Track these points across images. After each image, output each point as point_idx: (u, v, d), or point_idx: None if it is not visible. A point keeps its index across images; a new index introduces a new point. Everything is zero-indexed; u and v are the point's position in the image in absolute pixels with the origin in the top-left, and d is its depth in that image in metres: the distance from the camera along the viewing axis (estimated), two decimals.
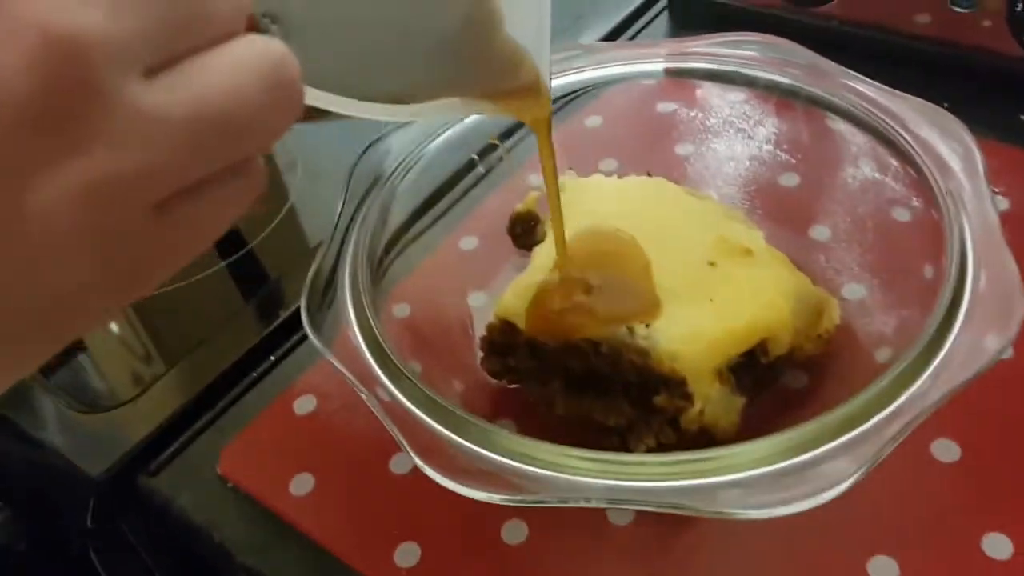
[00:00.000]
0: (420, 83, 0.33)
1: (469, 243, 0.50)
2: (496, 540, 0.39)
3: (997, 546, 0.36)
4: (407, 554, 0.39)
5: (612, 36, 0.68)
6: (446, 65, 0.32)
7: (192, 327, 0.53)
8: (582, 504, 0.32)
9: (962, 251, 0.37)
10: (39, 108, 0.18)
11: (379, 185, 0.45)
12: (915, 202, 0.42)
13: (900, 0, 0.58)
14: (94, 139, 0.19)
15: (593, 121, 0.53)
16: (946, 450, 0.39)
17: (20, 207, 0.19)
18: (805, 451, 0.31)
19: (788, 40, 0.47)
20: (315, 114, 0.28)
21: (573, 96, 0.50)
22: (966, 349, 0.33)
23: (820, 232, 0.47)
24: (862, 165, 0.45)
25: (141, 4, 0.19)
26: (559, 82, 0.49)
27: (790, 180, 0.49)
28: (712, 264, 0.41)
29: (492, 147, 0.49)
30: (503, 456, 0.33)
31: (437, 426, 0.34)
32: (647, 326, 0.38)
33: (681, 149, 0.52)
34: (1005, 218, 0.37)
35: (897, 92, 0.44)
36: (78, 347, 0.53)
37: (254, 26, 0.22)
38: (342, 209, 0.43)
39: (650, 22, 0.69)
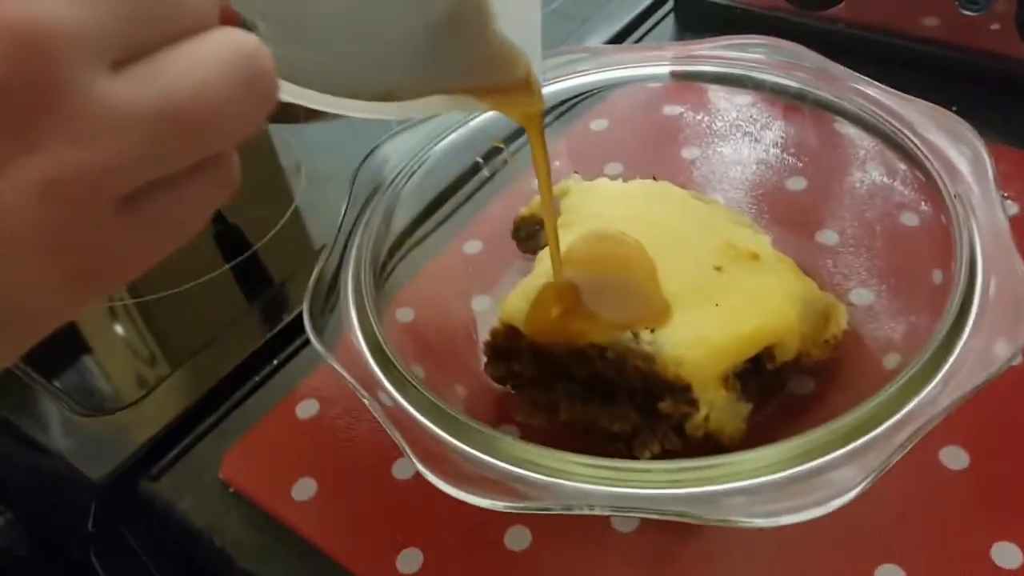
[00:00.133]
0: (409, 79, 0.32)
1: (473, 247, 0.50)
2: (499, 546, 0.39)
3: (1006, 555, 0.36)
4: (409, 560, 0.39)
5: (618, 39, 0.68)
6: (436, 61, 0.32)
7: (195, 330, 0.53)
8: (586, 511, 0.32)
9: (971, 256, 0.36)
10: None
11: (383, 189, 0.45)
12: (924, 206, 0.41)
13: (908, 3, 0.58)
14: (56, 134, 0.18)
15: (599, 124, 0.53)
16: (955, 457, 0.39)
17: None
18: (812, 459, 0.31)
19: (795, 43, 0.47)
20: (310, 115, 0.28)
21: (579, 99, 0.50)
22: (975, 355, 0.33)
23: (827, 237, 0.47)
24: (870, 169, 0.45)
25: None
26: (565, 85, 0.49)
27: (797, 184, 0.49)
28: (718, 269, 0.41)
29: (497, 150, 0.49)
30: (506, 462, 0.33)
31: (440, 432, 0.34)
32: (652, 331, 0.38)
33: (687, 153, 0.51)
34: (1015, 223, 0.37)
35: (905, 95, 0.43)
36: (81, 349, 0.53)
37: (236, 22, 0.22)
38: (345, 212, 0.43)
39: (656, 25, 0.69)
